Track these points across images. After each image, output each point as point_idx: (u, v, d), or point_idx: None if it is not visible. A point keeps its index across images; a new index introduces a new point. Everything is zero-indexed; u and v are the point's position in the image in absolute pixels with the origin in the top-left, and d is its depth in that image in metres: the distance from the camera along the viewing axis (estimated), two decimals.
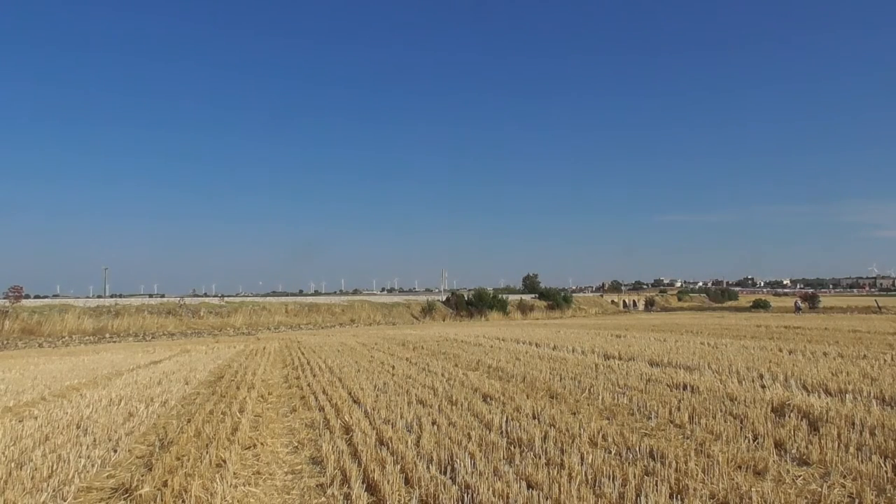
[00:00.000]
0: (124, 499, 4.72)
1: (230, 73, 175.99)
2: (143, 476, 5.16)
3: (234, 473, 5.17)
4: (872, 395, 7.34)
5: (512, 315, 61.56)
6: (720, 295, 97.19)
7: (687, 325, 27.58)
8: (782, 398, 7.20)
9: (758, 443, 5.48)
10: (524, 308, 65.58)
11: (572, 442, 5.68)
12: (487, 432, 6.20)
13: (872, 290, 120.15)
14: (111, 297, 63.69)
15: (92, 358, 20.46)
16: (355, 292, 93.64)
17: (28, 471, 5.22)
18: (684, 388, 8.43)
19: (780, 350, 13.26)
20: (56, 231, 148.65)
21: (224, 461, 5.46)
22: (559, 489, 4.33)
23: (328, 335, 33.03)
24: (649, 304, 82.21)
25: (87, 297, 59.39)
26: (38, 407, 8.97)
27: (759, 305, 64.35)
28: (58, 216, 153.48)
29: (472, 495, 4.35)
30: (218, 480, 4.83)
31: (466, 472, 4.82)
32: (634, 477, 4.57)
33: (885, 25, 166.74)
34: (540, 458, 5.22)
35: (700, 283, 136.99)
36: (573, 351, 14.48)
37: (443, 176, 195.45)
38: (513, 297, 68.68)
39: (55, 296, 69.76)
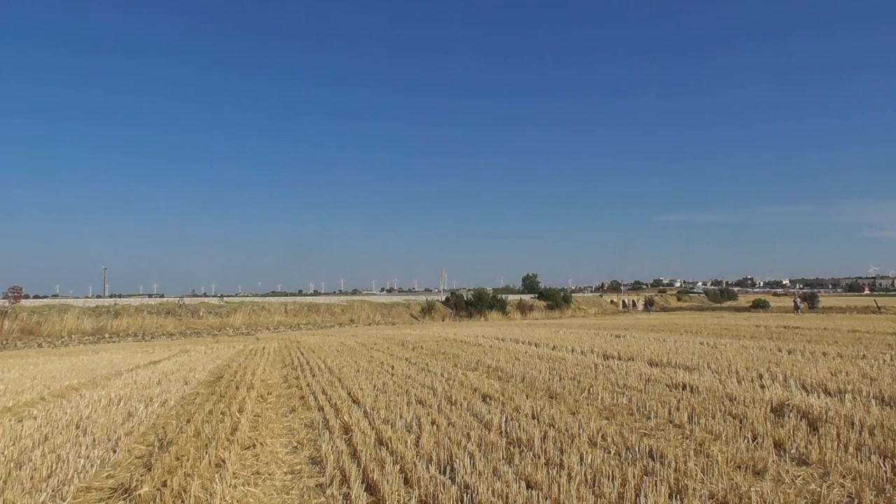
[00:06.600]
0: (124, 499, 4.72)
1: (230, 73, 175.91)
2: (142, 476, 5.16)
3: (234, 473, 5.17)
4: (872, 394, 7.35)
5: (511, 315, 61.52)
6: (719, 295, 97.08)
7: (686, 325, 27.59)
8: (781, 398, 7.20)
9: (757, 443, 5.48)
10: (524, 308, 65.55)
11: (571, 442, 5.68)
12: (487, 432, 6.20)
13: (872, 290, 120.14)
14: (110, 297, 63.54)
15: (91, 358, 20.45)
16: (354, 292, 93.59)
17: (27, 471, 5.22)
18: (683, 388, 8.43)
19: (780, 350, 13.26)
20: (56, 231, 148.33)
21: (223, 461, 5.47)
22: (558, 489, 4.33)
23: (327, 335, 33.02)
24: (649, 304, 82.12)
25: (87, 297, 59.32)
26: (37, 407, 8.97)
27: (759, 305, 64.30)
28: (58, 216, 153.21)
29: (472, 495, 4.34)
30: (217, 480, 4.83)
31: (466, 472, 4.82)
32: (634, 477, 4.58)
33: (885, 25, 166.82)
34: (539, 458, 5.22)
35: (699, 283, 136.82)
36: (572, 351, 14.49)
37: (443, 176, 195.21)
38: (512, 297, 68.64)
39: (55, 296, 69.72)
